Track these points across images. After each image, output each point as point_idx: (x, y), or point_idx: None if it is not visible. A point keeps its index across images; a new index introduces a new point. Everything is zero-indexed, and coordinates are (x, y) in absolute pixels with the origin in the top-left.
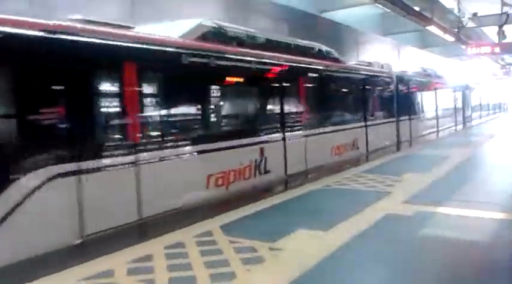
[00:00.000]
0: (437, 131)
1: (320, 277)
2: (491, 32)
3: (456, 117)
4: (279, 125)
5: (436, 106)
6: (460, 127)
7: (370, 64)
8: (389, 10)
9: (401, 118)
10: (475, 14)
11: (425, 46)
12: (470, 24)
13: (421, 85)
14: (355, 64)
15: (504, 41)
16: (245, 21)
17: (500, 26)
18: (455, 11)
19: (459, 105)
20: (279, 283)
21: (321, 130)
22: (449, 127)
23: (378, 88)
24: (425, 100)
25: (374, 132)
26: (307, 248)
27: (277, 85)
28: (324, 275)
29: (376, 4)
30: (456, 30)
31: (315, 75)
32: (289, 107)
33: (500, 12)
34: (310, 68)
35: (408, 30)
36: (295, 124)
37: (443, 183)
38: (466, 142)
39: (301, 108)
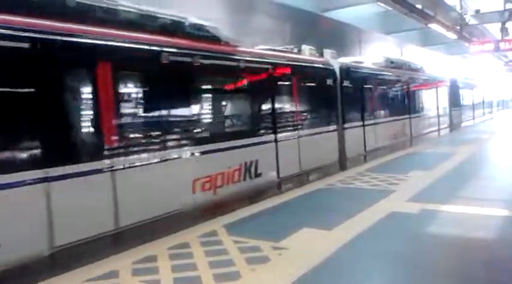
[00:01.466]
0: (411, 139)
1: (325, 276)
2: (494, 29)
3: (439, 121)
4: None
5: (409, 108)
6: (445, 132)
7: (300, 51)
8: (391, 8)
9: (347, 125)
10: (477, 11)
11: (428, 44)
12: (473, 22)
13: (383, 81)
14: (263, 49)
15: (507, 38)
16: (246, 21)
17: (503, 23)
18: (458, 8)
19: (444, 105)
20: (284, 282)
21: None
22: (428, 132)
23: (306, 84)
24: (392, 100)
25: (291, 149)
26: (311, 247)
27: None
28: (329, 274)
29: (378, 3)
30: (459, 27)
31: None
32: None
33: (503, 8)
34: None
35: (410, 28)
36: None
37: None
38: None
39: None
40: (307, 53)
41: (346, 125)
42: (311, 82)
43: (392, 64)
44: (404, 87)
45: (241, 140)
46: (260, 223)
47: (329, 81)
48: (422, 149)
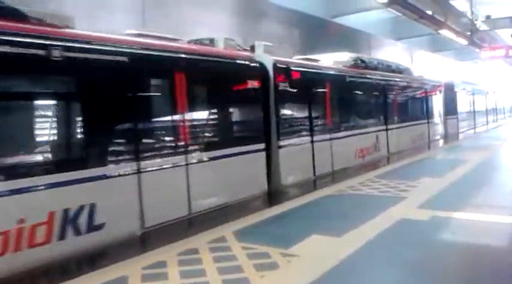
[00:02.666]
0: (388, 157)
1: (335, 283)
2: (505, 34)
3: (430, 132)
4: None
5: (385, 118)
6: (438, 144)
7: (212, 42)
8: (401, 14)
9: (284, 142)
10: (488, 17)
11: (438, 50)
12: (484, 27)
13: (346, 85)
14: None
15: None
16: (256, 27)
17: None
18: (468, 13)
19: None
20: None
21: None
22: (413, 147)
23: (208, 86)
24: (359, 109)
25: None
26: (321, 254)
27: None
28: (339, 281)
29: (388, 8)
30: (469, 33)
31: None
32: None
33: None
34: None
35: (421, 34)
36: None
37: None
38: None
39: None
40: (221, 45)
41: (282, 143)
42: (216, 84)
43: (362, 64)
44: (379, 92)
45: None
46: (269, 229)
47: (253, 84)
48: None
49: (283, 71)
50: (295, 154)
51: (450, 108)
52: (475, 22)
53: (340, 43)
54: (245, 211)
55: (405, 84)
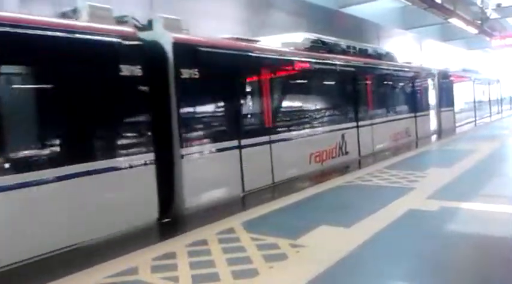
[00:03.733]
0: (359, 159)
1: (343, 274)
2: None
3: (418, 128)
4: None
5: (355, 113)
6: (429, 140)
7: (75, 12)
8: (410, 3)
9: (193, 149)
10: (498, 5)
11: (448, 39)
12: (494, 15)
13: (294, 73)
14: None
15: None
16: (263, 17)
17: None
18: (479, 2)
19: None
20: (302, 280)
21: None
22: (395, 146)
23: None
24: (317, 102)
25: None
26: (330, 245)
27: None
28: (347, 271)
29: None
30: (479, 22)
31: None
32: None
33: None
34: None
35: (430, 23)
36: None
37: None
38: None
39: None
40: (85, 15)
41: (187, 151)
42: (56, 72)
43: (324, 46)
44: (348, 81)
45: None
46: (278, 220)
47: (132, 71)
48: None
49: (191, 54)
50: (210, 165)
51: (445, 99)
52: (486, 10)
53: (349, 33)
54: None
55: (385, 72)
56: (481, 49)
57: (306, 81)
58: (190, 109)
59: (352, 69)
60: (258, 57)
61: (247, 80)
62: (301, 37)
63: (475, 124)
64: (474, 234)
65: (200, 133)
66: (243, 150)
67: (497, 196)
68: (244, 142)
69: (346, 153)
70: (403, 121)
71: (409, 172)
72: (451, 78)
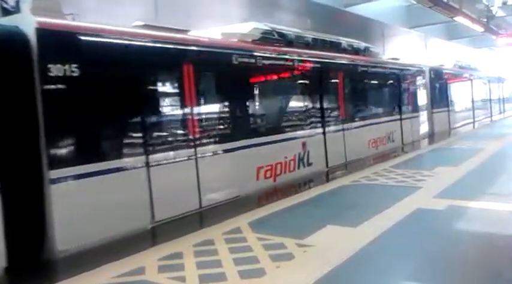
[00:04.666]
0: (327, 173)
1: (350, 273)
2: None
3: (405, 132)
4: None
5: (322, 118)
6: (417, 145)
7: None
8: (415, 2)
9: (62, 174)
10: (504, 3)
11: (453, 37)
12: (500, 13)
13: (228, 69)
14: None
15: None
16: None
17: None
18: (484, 0)
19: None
20: (309, 279)
21: None
22: (373, 154)
23: None
24: (266, 106)
25: None
26: (336, 244)
27: None
28: (354, 271)
29: None
30: (485, 20)
31: None
32: None
33: None
34: None
35: (435, 22)
36: None
37: None
38: None
39: None
40: None
41: (56, 173)
42: None
43: (281, 39)
44: (311, 80)
45: None
46: (284, 220)
47: None
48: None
49: (65, 44)
50: (99, 191)
51: (439, 99)
52: (491, 8)
53: (353, 32)
54: None
55: (362, 69)
56: (487, 47)
57: (250, 80)
58: (66, 118)
59: (318, 65)
60: (177, 50)
61: (158, 80)
62: (249, 27)
63: (474, 126)
64: (482, 233)
65: (82, 149)
66: (153, 169)
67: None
68: (155, 158)
69: (309, 164)
70: (384, 125)
71: (417, 171)
72: (445, 76)
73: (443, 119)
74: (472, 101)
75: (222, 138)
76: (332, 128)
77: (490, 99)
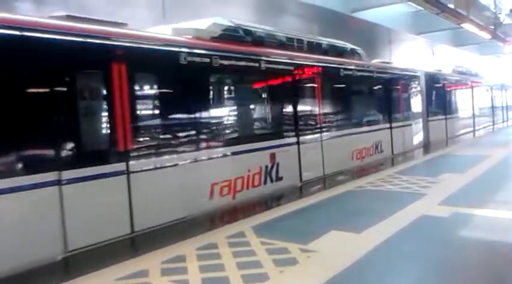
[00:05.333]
0: (301, 187)
1: (354, 280)
2: None
3: (394, 142)
4: None
5: (280, 128)
6: (411, 155)
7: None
8: (422, 8)
9: None
10: None
11: (461, 44)
12: (508, 21)
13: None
14: None
15: None
16: (276, 23)
17: None
18: (492, 7)
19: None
20: None
21: None
22: (360, 167)
23: None
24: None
25: None
26: (340, 250)
27: None
28: (358, 277)
29: (409, 2)
30: (492, 27)
31: None
32: None
33: None
34: None
35: (442, 28)
36: None
37: None
38: None
39: None
40: None
41: None
42: None
43: (247, 37)
44: (279, 84)
45: None
46: (288, 225)
47: None
48: None
49: None
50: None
51: (435, 107)
52: (499, 15)
53: (360, 38)
54: None
55: (345, 72)
56: (494, 55)
57: (204, 83)
58: None
59: (291, 68)
60: (103, 46)
61: (78, 81)
62: (207, 23)
63: (474, 135)
64: (487, 240)
65: None
66: (66, 188)
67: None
68: (71, 174)
69: (279, 178)
70: (372, 134)
71: (422, 178)
72: (443, 82)
73: (440, 128)
74: (473, 109)
75: (166, 151)
76: (308, 137)
77: (493, 107)
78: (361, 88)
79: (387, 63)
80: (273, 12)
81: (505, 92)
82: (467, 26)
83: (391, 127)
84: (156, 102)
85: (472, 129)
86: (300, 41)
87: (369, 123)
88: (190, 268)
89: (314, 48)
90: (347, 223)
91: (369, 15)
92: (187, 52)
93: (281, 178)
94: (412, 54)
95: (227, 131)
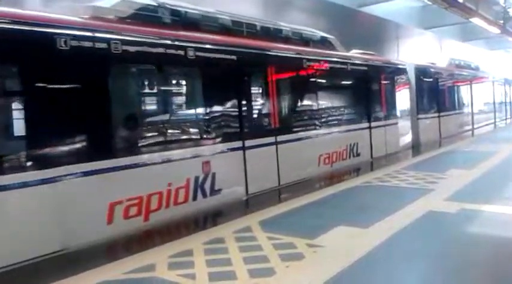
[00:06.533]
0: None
1: (360, 275)
2: None
3: (373, 146)
4: None
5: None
6: (399, 155)
7: None
8: (430, 2)
9: None
10: None
11: (469, 39)
12: None
13: None
14: None
15: None
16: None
17: None
18: (501, 1)
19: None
20: (319, 280)
21: None
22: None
23: None
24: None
25: None
26: (347, 245)
27: None
28: (365, 272)
29: None
30: (502, 21)
31: None
32: None
33: None
34: None
35: (450, 23)
36: None
37: None
38: None
39: None
40: None
41: None
42: None
43: (175, 18)
44: (218, 77)
45: None
46: (295, 220)
47: None
48: None
49: None
50: None
51: (427, 103)
52: (508, 10)
53: (367, 32)
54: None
55: (310, 64)
56: (503, 49)
57: (99, 74)
58: None
59: (233, 57)
60: None
61: None
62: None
63: (473, 134)
64: (494, 236)
65: None
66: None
67: None
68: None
69: (215, 192)
70: (345, 135)
71: (429, 173)
72: (436, 76)
73: (433, 126)
74: (471, 105)
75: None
76: (258, 141)
77: (495, 103)
78: (332, 83)
79: (369, 54)
80: (279, 6)
81: (508, 87)
82: (476, 21)
83: (370, 127)
84: (25, 97)
85: (470, 127)
86: (250, 25)
87: (341, 123)
88: (197, 262)
89: (270, 35)
90: (354, 218)
91: (376, 9)
92: (72, 35)
93: (218, 191)
94: (419, 49)
95: (136, 136)
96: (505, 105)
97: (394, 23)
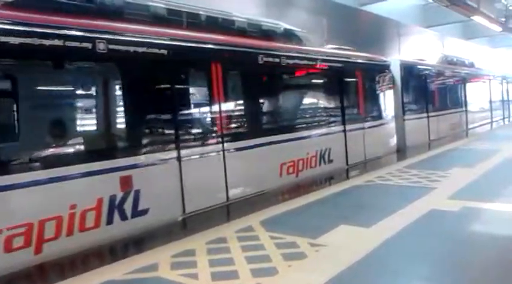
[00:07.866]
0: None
1: (363, 274)
2: None
3: (346, 153)
4: None
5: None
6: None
7: None
8: (431, 1)
9: None
10: None
11: (471, 37)
12: None
13: None
14: None
15: None
16: (284, 17)
17: None
18: None
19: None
20: (321, 279)
21: None
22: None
23: None
24: None
25: None
26: (349, 244)
27: None
28: (367, 271)
29: None
30: (503, 19)
31: None
32: None
33: None
34: None
35: (452, 21)
36: None
37: None
38: None
39: None
40: None
41: None
42: None
43: (91, 8)
44: (153, 74)
45: None
46: (297, 219)
47: None
48: None
49: None
50: None
51: (414, 103)
52: (510, 8)
53: (369, 31)
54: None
55: (267, 60)
56: (505, 47)
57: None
58: None
59: (164, 52)
60: None
61: None
62: None
63: (467, 135)
64: (497, 235)
65: None
66: None
67: None
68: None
69: (140, 213)
70: (313, 140)
71: (432, 172)
72: (425, 74)
73: (421, 128)
74: (465, 104)
75: None
76: (198, 150)
77: (491, 102)
78: (297, 82)
79: (345, 49)
80: (280, 5)
81: (506, 85)
82: (477, 19)
83: (345, 130)
84: None
85: (464, 128)
86: (192, 15)
87: (309, 127)
88: (199, 262)
89: (219, 26)
90: (356, 218)
91: (378, 8)
92: None
93: (144, 212)
94: (421, 48)
95: (28, 148)
96: (503, 104)
97: (396, 21)
